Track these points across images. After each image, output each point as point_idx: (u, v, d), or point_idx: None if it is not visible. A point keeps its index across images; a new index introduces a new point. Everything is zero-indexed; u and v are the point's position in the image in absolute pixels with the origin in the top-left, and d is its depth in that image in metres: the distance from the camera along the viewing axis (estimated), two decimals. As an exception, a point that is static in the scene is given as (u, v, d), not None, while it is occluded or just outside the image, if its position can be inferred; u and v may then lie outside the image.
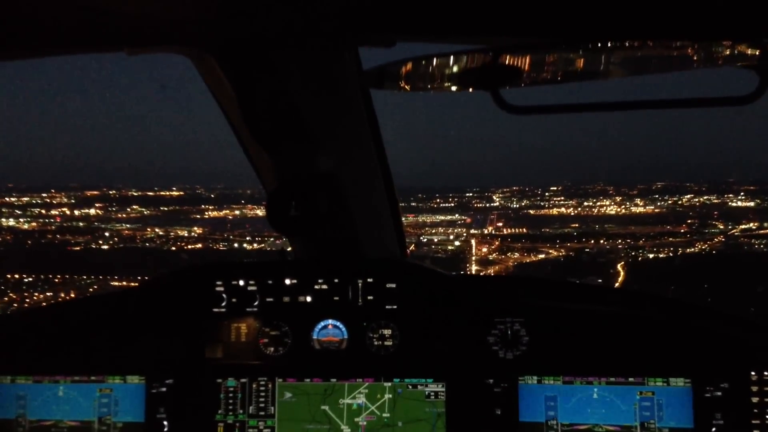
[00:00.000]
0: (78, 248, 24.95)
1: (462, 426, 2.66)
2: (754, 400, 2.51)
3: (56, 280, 21.07)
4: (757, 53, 1.72)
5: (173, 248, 25.61)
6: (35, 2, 1.77)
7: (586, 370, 2.62)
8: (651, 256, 26.25)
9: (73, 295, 19.36)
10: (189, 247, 25.50)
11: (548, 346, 2.65)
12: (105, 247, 25.24)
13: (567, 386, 2.63)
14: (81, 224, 26.31)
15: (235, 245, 25.17)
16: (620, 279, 22.62)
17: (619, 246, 26.94)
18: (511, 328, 2.66)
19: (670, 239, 27.26)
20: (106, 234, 26.01)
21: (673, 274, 21.39)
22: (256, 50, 2.21)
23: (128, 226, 26.72)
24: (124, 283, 20.36)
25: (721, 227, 27.14)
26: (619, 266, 24.05)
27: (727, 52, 1.84)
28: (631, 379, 2.59)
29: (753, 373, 2.53)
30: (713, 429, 2.51)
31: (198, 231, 26.61)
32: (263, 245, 23.97)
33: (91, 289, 20.47)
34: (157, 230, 26.63)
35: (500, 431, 2.63)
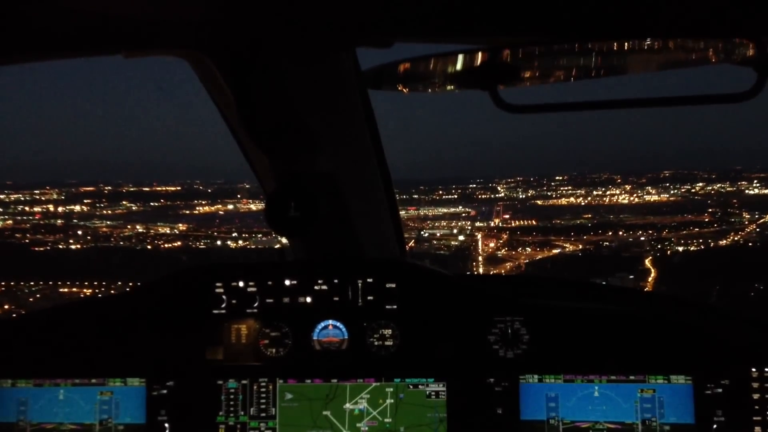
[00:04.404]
0: (43, 248, 24.37)
1: (464, 427, 2.82)
2: (755, 396, 2.67)
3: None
4: (755, 50, 1.81)
5: (149, 247, 25.33)
6: (33, 8, 1.88)
7: (587, 368, 2.78)
8: (680, 249, 25.79)
9: (6, 308, 18.11)
10: (166, 245, 25.17)
11: (549, 345, 2.81)
12: (74, 246, 24.82)
13: (568, 384, 2.79)
14: (59, 222, 26.16)
15: (218, 243, 24.97)
16: (652, 277, 22.02)
17: (642, 238, 26.46)
18: (512, 326, 2.81)
19: (696, 230, 26.89)
20: (80, 232, 25.72)
21: (712, 270, 20.72)
22: (254, 52, 2.32)
23: (108, 223, 26.60)
24: (75, 289, 19.75)
25: (747, 216, 26.98)
26: (647, 261, 23.54)
27: (725, 49, 1.96)
28: (632, 377, 2.75)
29: (753, 369, 2.68)
30: (714, 426, 2.67)
31: (182, 227, 26.48)
32: (248, 243, 23.84)
33: (31, 299, 19.65)
34: (138, 227, 26.48)
35: (502, 430, 2.79)
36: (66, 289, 20.18)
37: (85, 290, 19.86)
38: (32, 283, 20.72)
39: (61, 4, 1.86)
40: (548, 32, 1.99)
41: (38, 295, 20.08)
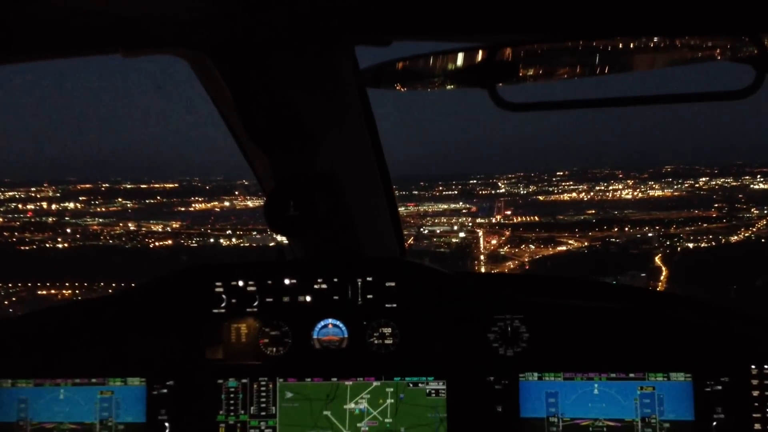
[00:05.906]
0: (28, 248, 23.92)
1: (464, 425, 2.88)
2: (755, 393, 2.73)
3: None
4: (753, 47, 1.83)
5: (138, 246, 25.17)
6: (32, 6, 1.92)
7: (587, 366, 2.84)
8: (690, 245, 25.40)
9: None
10: (157, 244, 24.96)
11: (548, 343, 2.86)
12: (62, 246, 24.37)
13: (567, 382, 2.85)
14: (50, 219, 25.97)
15: (211, 240, 24.86)
16: (663, 276, 21.64)
17: (650, 234, 26.06)
18: (511, 324, 2.87)
19: (705, 225, 26.63)
20: (69, 231, 25.51)
21: (726, 267, 20.26)
22: (253, 51, 2.38)
23: (99, 220, 26.45)
24: (54, 291, 19.27)
25: (756, 212, 26.86)
26: (657, 259, 23.17)
27: (724, 47, 2.00)
28: (631, 375, 2.81)
29: (753, 366, 2.74)
30: (714, 423, 2.73)
31: (175, 225, 26.32)
32: (241, 241, 23.77)
33: (6, 302, 19.04)
34: (129, 225, 26.32)
35: (502, 428, 2.85)
36: (45, 292, 19.71)
37: (65, 292, 19.49)
38: (10, 285, 20.13)
39: (61, 4, 1.91)
40: (547, 30, 2.02)
41: (14, 298, 19.53)
